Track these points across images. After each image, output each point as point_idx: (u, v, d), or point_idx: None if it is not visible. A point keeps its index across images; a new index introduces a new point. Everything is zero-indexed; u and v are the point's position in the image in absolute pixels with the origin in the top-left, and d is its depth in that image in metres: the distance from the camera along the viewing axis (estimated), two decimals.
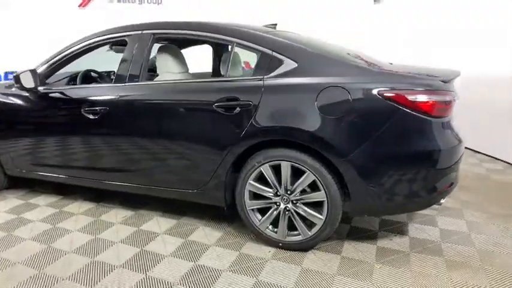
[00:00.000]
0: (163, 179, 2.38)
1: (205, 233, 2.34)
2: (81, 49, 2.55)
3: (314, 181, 1.95)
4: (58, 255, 2.08)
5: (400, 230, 2.34)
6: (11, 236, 2.30)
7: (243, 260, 2.06)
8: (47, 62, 2.62)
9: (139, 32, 2.39)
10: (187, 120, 2.19)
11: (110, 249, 2.14)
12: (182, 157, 2.25)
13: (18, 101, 2.67)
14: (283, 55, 2.04)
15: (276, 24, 2.46)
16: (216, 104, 2.06)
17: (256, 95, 1.99)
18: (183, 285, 1.81)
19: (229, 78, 2.18)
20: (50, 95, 2.56)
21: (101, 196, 2.88)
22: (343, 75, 1.93)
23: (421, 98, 1.81)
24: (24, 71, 2.46)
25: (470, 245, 2.15)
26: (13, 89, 2.65)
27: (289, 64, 2.02)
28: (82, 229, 2.40)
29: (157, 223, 2.46)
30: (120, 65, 2.41)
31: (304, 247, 2.12)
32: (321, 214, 1.99)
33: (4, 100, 2.72)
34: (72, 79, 2.98)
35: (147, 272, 1.92)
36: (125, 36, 2.45)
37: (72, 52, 2.56)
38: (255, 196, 2.14)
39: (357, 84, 1.87)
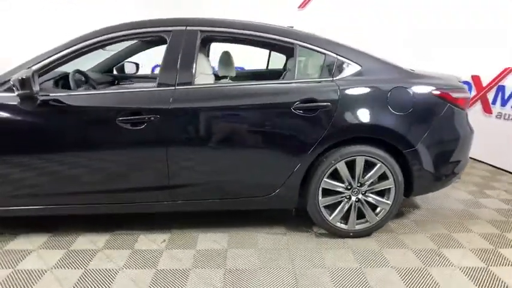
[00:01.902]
0: (231, 190, 2.18)
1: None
2: (99, 44, 2.05)
3: (383, 171, 2.20)
4: None
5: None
6: None
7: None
8: (47, 58, 1.98)
9: (183, 27, 2.10)
10: (262, 124, 2.07)
11: None
12: (256, 164, 2.12)
13: (8, 114, 1.93)
14: (348, 58, 2.20)
15: (292, 27, 2.54)
16: (295, 106, 2.05)
17: (334, 95, 2.09)
18: None
19: (303, 80, 2.17)
20: (60, 102, 1.95)
21: None
22: (399, 77, 2.23)
23: (458, 95, 2.28)
24: (26, 72, 1.82)
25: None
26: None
27: (354, 67, 2.19)
28: None
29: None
30: (164, 65, 2.06)
31: (370, 232, 2.35)
32: (388, 200, 2.26)
33: None
34: (58, 81, 2.31)
35: None
36: (163, 31, 2.10)
37: (87, 47, 2.02)
38: (324, 193, 2.23)
39: (414, 85, 2.19)
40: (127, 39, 2.15)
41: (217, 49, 3.04)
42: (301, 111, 2.06)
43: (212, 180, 2.14)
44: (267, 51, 3.59)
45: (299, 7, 6.01)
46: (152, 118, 1.97)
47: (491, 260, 2.12)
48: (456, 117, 2.29)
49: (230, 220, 2.50)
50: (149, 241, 2.25)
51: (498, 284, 1.90)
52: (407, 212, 2.75)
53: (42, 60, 1.99)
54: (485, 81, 3.96)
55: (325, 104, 2.07)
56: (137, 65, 3.77)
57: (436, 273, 1.98)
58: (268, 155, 2.12)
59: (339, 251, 2.19)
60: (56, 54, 2.00)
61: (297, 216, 2.53)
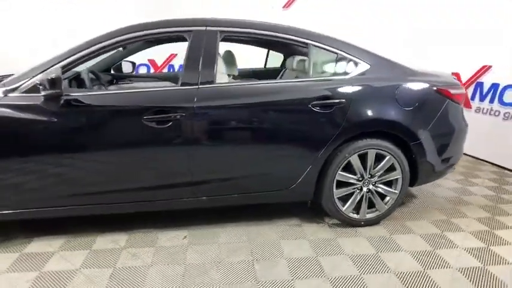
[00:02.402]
0: (251, 185, 2.25)
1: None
2: (120, 43, 2.05)
3: (392, 163, 2.37)
4: None
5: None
6: None
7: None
8: (61, 61, 1.95)
9: (203, 28, 2.14)
10: (281, 121, 2.16)
11: None
12: (276, 159, 2.21)
13: (34, 115, 1.88)
14: (358, 58, 2.33)
15: None
16: (313, 103, 2.16)
17: (348, 93, 2.22)
18: None
19: (318, 78, 2.28)
20: (83, 102, 1.93)
21: None
22: (405, 75, 2.39)
23: (456, 91, 2.48)
24: (55, 72, 1.79)
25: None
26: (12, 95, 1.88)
27: (364, 65, 2.33)
28: None
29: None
30: (187, 64, 2.09)
31: (379, 220, 2.51)
32: (396, 189, 2.43)
33: (14, 115, 1.86)
34: (72, 81, 2.27)
35: None
36: (183, 31, 2.13)
37: (109, 46, 2.02)
38: (338, 185, 2.36)
39: (418, 83, 2.37)
40: (149, 39, 2.17)
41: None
42: (318, 108, 2.17)
43: (233, 176, 2.20)
44: (257, 49, 3.68)
45: (283, 7, 6.12)
46: (178, 116, 2.00)
47: (490, 241, 2.34)
48: (454, 112, 2.50)
49: (245, 215, 2.57)
50: (171, 238, 2.28)
51: (500, 261, 2.11)
52: (405, 201, 2.94)
53: (63, 60, 1.96)
54: (464, 78, 4.27)
55: (340, 100, 2.20)
56: (134, 64, 3.75)
57: (445, 254, 2.17)
58: (287, 150, 2.21)
59: (354, 238, 2.33)
60: (77, 53, 1.98)
61: (308, 209, 2.65)
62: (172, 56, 5.57)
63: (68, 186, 2.02)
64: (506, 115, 3.76)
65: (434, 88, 2.39)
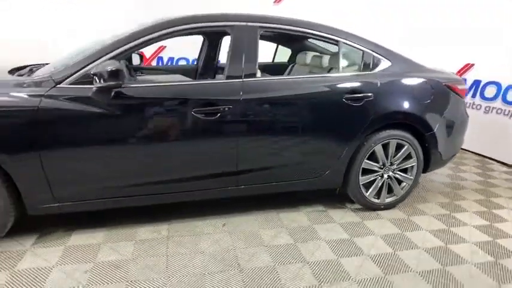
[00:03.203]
0: (289, 174, 2.38)
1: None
2: (165, 37, 2.06)
3: (409, 152, 2.61)
4: None
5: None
6: None
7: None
8: (104, 56, 1.94)
9: (244, 23, 2.22)
10: (318, 113, 2.31)
11: None
12: (312, 148, 2.35)
13: (84, 106, 1.86)
14: (381, 55, 2.53)
15: None
16: (346, 97, 2.33)
17: (375, 87, 2.41)
18: None
19: (349, 74, 2.45)
20: (134, 94, 1.95)
21: None
22: (420, 72, 2.63)
23: (461, 86, 2.77)
24: (114, 64, 1.80)
25: None
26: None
27: (386, 62, 2.54)
28: None
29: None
30: (231, 58, 2.16)
31: (395, 204, 2.75)
32: (411, 175, 2.67)
33: (58, 106, 1.83)
34: None
35: None
36: (226, 26, 2.20)
37: (157, 38, 2.03)
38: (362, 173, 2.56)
39: (432, 79, 2.62)
40: (195, 32, 2.21)
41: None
42: (350, 101, 2.35)
43: (273, 165, 2.32)
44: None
45: (274, 2, 6.22)
46: (226, 109, 2.08)
47: (492, 219, 2.66)
48: (459, 105, 2.79)
49: (271, 204, 2.70)
50: (210, 226, 2.36)
51: (504, 235, 2.43)
52: None
53: (111, 52, 1.95)
54: None
55: (369, 94, 2.38)
56: (141, 56, 3.71)
57: (458, 231, 2.45)
58: (323, 140, 2.37)
59: (378, 221, 2.55)
60: (125, 45, 1.98)
61: (327, 196, 2.84)
62: (161, 48, 5.50)
63: (121, 178, 2.04)
64: (487, 109, 4.19)
65: (444, 84, 2.65)
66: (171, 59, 5.65)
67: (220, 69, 3.52)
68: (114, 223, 2.33)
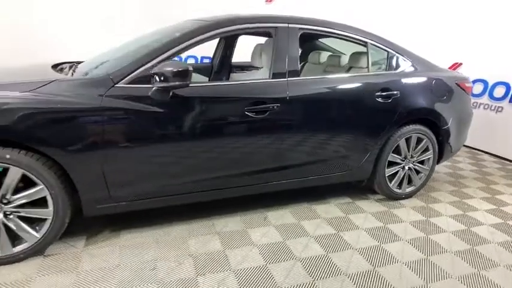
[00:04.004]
0: (327, 167, 2.51)
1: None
2: (216, 36, 2.12)
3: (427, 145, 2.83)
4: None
5: None
6: None
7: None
8: (160, 55, 1.96)
9: (286, 25, 2.31)
10: (354, 110, 2.46)
11: None
12: (350, 142, 2.50)
13: (142, 106, 1.87)
14: (402, 55, 2.73)
15: None
16: (377, 94, 2.50)
17: (400, 85, 2.60)
18: None
19: (378, 73, 2.62)
20: (193, 93, 1.98)
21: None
22: (435, 71, 2.86)
23: (468, 84, 3.03)
24: (179, 64, 1.83)
25: None
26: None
27: (407, 63, 2.74)
28: None
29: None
30: (276, 58, 2.25)
31: (414, 194, 2.97)
32: (428, 167, 2.90)
33: (117, 105, 1.83)
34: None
35: None
36: (270, 27, 2.28)
37: (209, 38, 2.07)
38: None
39: (446, 78, 2.86)
40: (241, 33, 2.26)
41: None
42: (380, 99, 2.52)
43: (314, 160, 2.44)
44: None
45: (266, 1, 6.32)
46: (275, 107, 2.17)
47: (498, 204, 2.96)
48: (467, 101, 3.06)
49: (300, 197, 2.82)
50: (255, 218, 2.44)
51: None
52: None
53: (167, 51, 1.97)
54: None
55: (396, 92, 2.57)
56: None
57: (475, 215, 2.72)
58: (358, 135, 2.53)
59: (403, 209, 2.75)
60: (179, 45, 2.01)
61: (351, 188, 3.01)
62: None
63: (176, 176, 2.07)
64: (474, 104, 4.57)
65: (456, 82, 2.91)
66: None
67: (236, 67, 3.59)
68: (149, 222, 2.35)
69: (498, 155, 4.33)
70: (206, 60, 4.80)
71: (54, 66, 2.35)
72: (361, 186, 2.96)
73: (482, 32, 4.39)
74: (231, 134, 2.13)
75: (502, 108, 4.24)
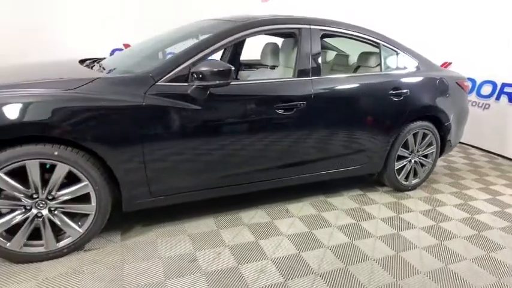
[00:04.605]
0: (345, 162, 2.66)
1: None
2: (246, 36, 2.21)
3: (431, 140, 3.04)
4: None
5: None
6: None
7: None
8: (197, 54, 2.03)
9: (308, 26, 2.43)
10: (372, 106, 2.63)
11: None
12: (365, 138, 2.65)
13: (182, 103, 1.93)
14: (410, 55, 2.91)
15: None
16: (391, 92, 2.67)
17: (409, 84, 2.78)
18: None
19: (390, 72, 2.78)
20: (230, 91, 2.06)
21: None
22: (438, 71, 3.07)
23: (466, 83, 3.27)
24: (221, 64, 1.91)
25: None
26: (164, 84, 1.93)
27: (414, 62, 2.93)
28: None
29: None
30: (300, 58, 2.36)
31: (418, 186, 3.17)
32: (431, 160, 3.11)
33: (158, 103, 1.90)
34: None
35: None
36: (294, 28, 2.38)
37: (231, 42, 2.16)
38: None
39: (448, 77, 3.07)
40: (270, 34, 2.36)
41: None
42: (393, 96, 2.69)
43: (334, 154, 2.58)
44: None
45: (262, 0, 6.41)
46: (301, 104, 2.29)
47: (493, 194, 3.22)
48: (465, 99, 3.29)
49: (315, 191, 2.97)
50: (298, 208, 2.56)
51: (507, 206, 2.97)
52: None
53: (203, 51, 2.05)
54: None
55: (406, 90, 2.75)
56: None
57: (476, 204, 2.95)
58: (375, 131, 2.69)
59: (411, 200, 2.95)
60: (211, 46, 2.08)
61: (357, 181, 3.18)
62: None
63: (211, 171, 2.15)
64: None
65: (456, 81, 3.13)
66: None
67: (244, 65, 3.68)
68: (176, 216, 2.42)
69: (485, 149, 4.64)
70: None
71: (80, 63, 2.37)
72: (369, 179, 3.15)
73: (471, 32, 4.68)
74: (262, 130, 2.23)
75: (489, 105, 4.55)
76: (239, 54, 3.67)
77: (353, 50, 3.37)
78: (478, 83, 4.70)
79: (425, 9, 5.22)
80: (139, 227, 2.26)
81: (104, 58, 2.81)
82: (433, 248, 2.25)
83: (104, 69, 2.24)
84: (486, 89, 4.59)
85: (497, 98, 4.45)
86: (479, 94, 4.68)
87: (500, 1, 4.39)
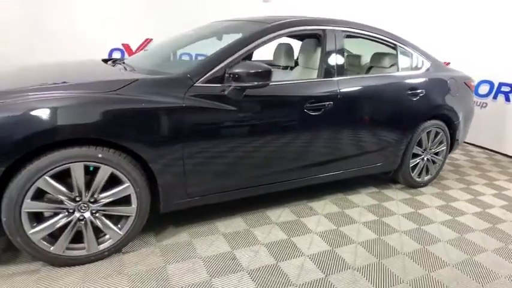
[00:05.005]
0: (367, 160, 2.74)
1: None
2: (279, 37, 2.27)
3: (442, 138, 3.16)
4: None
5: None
6: None
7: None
8: (233, 55, 2.07)
9: (332, 27, 2.49)
10: (392, 106, 2.74)
11: None
12: (386, 136, 2.74)
13: (221, 104, 1.96)
14: (424, 56, 3.02)
15: None
16: (408, 92, 2.76)
17: (424, 84, 2.89)
18: None
19: (407, 73, 2.89)
20: (265, 92, 2.08)
21: None
22: (447, 71, 3.19)
23: (473, 83, 3.41)
24: (260, 65, 1.95)
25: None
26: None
27: (427, 63, 3.04)
28: None
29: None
30: (325, 59, 2.42)
31: (429, 182, 3.28)
32: (442, 158, 3.24)
33: (197, 104, 1.92)
34: None
35: None
36: (320, 30, 2.44)
37: (264, 43, 2.20)
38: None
39: (457, 77, 3.20)
40: (295, 35, 2.40)
41: None
42: (410, 97, 2.79)
43: (358, 153, 2.66)
44: None
45: (264, 0, 6.44)
46: (329, 105, 2.35)
47: (498, 189, 3.37)
48: (471, 98, 3.44)
49: (334, 189, 3.04)
50: (321, 206, 2.62)
51: None
52: None
53: (237, 52, 2.08)
54: None
55: (421, 90, 2.85)
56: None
57: (484, 199, 3.09)
58: (395, 130, 2.79)
59: (424, 196, 3.06)
60: (246, 46, 2.12)
61: (371, 179, 3.28)
62: (148, 40, 5.39)
63: (246, 170, 2.19)
64: None
65: (464, 81, 3.26)
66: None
67: None
68: (205, 217, 2.44)
69: (483, 146, 4.84)
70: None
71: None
72: (381, 177, 3.24)
73: (469, 33, 4.86)
74: (293, 130, 2.29)
75: (486, 104, 4.74)
76: (251, 55, 3.70)
77: (364, 51, 3.47)
78: (475, 82, 4.88)
79: (423, 9, 5.38)
80: (171, 228, 2.27)
81: (124, 58, 2.80)
82: (455, 241, 2.36)
83: (132, 69, 2.24)
84: (483, 89, 4.78)
85: (495, 97, 4.65)
86: (476, 93, 4.86)
87: (498, 1, 4.59)
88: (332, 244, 2.21)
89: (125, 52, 5.31)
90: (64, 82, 1.84)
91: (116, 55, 5.16)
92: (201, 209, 2.40)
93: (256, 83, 1.96)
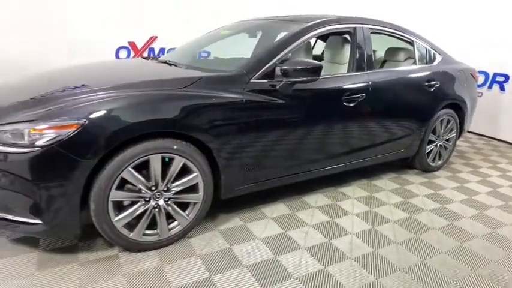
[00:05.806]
0: (391, 147, 2.98)
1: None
2: (313, 37, 2.46)
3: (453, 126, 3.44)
4: None
5: None
6: None
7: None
8: (280, 53, 2.24)
9: (361, 25, 2.70)
10: (414, 96, 2.99)
11: None
12: (408, 125, 2.99)
13: (273, 98, 2.14)
14: (436, 51, 3.28)
15: None
16: (425, 84, 3.01)
17: (439, 76, 3.15)
18: None
19: (424, 66, 3.13)
20: (311, 85, 2.28)
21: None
22: (456, 63, 3.47)
23: (477, 74, 3.70)
24: (310, 62, 2.14)
25: None
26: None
27: (439, 57, 3.30)
28: None
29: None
30: (357, 54, 2.63)
31: (441, 166, 3.56)
32: (452, 144, 3.52)
33: (254, 99, 2.10)
34: None
35: None
36: (351, 28, 2.64)
37: (305, 40, 2.40)
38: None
39: (465, 69, 3.48)
40: (332, 34, 2.59)
41: None
42: (427, 88, 3.04)
43: (384, 141, 2.89)
44: None
45: None
46: (362, 96, 2.57)
47: (503, 171, 3.69)
48: (475, 88, 3.73)
49: (357, 176, 3.27)
50: (351, 191, 2.82)
51: None
52: None
53: (280, 52, 2.26)
54: None
55: (436, 82, 3.11)
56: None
57: (492, 180, 3.40)
58: (416, 118, 3.04)
59: (439, 179, 3.34)
60: (289, 46, 2.30)
61: (389, 165, 3.53)
62: (153, 38, 5.47)
63: (296, 158, 2.41)
64: None
65: (470, 72, 3.55)
66: (162, 49, 5.62)
67: None
68: (253, 204, 2.63)
69: (479, 133, 5.20)
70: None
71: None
72: (397, 163, 3.49)
73: (464, 25, 5.18)
74: (333, 121, 2.51)
75: (482, 93, 5.09)
76: None
77: (376, 46, 3.70)
78: None
79: (418, 3, 5.66)
80: (223, 215, 2.43)
81: (159, 56, 2.92)
82: (477, 217, 2.63)
83: (177, 66, 2.41)
84: (479, 79, 5.11)
85: (490, 87, 5.00)
86: None
87: None
88: (372, 223, 2.44)
89: (131, 50, 5.37)
90: (140, 81, 1.98)
91: (123, 53, 5.22)
92: (245, 197, 2.59)
93: (306, 78, 2.15)
